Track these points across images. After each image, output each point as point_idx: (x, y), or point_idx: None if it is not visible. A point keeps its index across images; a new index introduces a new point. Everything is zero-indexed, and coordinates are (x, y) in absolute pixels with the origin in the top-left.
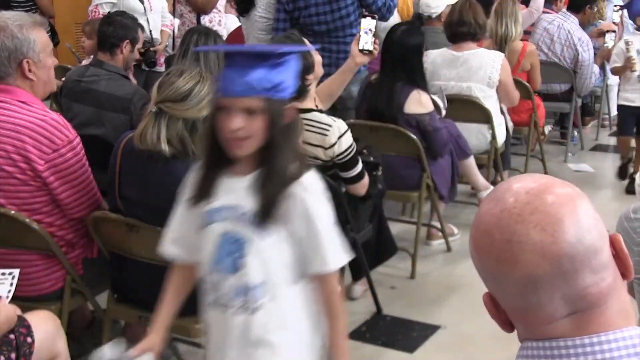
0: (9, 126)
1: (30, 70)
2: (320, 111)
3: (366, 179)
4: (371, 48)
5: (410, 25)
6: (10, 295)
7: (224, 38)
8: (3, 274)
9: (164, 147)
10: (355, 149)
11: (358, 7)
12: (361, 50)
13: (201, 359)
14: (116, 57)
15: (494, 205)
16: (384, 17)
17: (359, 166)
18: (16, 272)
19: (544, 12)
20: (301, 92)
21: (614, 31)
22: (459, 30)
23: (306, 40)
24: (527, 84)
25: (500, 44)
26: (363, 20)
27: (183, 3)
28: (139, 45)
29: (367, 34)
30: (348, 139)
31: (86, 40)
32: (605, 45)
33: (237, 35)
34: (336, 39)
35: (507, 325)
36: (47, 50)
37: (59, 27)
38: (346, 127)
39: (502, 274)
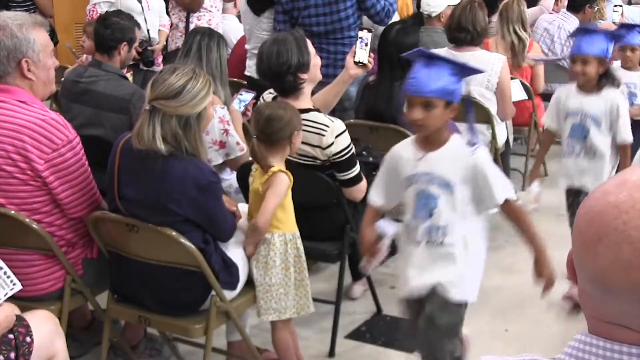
0: (8, 126)
1: (29, 70)
2: (318, 111)
3: (363, 184)
4: (365, 60)
5: (404, 24)
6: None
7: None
8: (9, 278)
9: (160, 145)
10: (352, 151)
11: (357, 10)
12: (356, 63)
13: (201, 359)
14: (114, 59)
15: (616, 192)
16: (382, 22)
17: (356, 169)
18: (18, 287)
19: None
20: (293, 89)
21: None
22: (457, 35)
23: (311, 45)
24: (527, 84)
25: (516, 50)
26: (359, 32)
27: (172, 3)
28: (136, 44)
29: (362, 47)
30: (345, 139)
31: (87, 40)
32: None
33: (243, 40)
34: (334, 41)
35: (576, 280)
36: (47, 51)
37: (58, 27)
38: (344, 128)
39: (581, 258)
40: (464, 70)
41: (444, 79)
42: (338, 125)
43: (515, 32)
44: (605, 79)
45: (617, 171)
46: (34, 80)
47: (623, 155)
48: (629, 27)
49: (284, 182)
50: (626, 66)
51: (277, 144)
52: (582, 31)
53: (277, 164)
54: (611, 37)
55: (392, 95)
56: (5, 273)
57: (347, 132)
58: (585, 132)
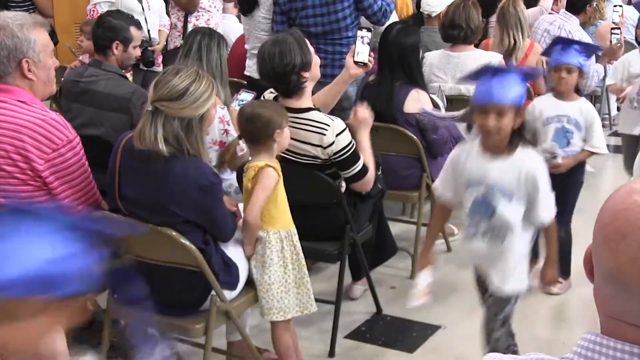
0: (8, 126)
1: (29, 70)
2: (319, 110)
3: (370, 174)
4: (366, 60)
5: (405, 24)
6: None
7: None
8: None
9: (162, 146)
10: (354, 148)
11: (354, 10)
12: (356, 63)
13: (201, 359)
14: (110, 58)
15: None
16: (379, 22)
17: (360, 164)
18: None
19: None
20: (296, 89)
21: (618, 27)
22: (451, 33)
23: (309, 43)
24: (528, 85)
25: (511, 53)
26: (358, 32)
27: (172, 3)
28: (135, 43)
29: (362, 46)
30: (346, 138)
31: (85, 40)
32: (613, 43)
33: (242, 39)
34: (332, 41)
35: (592, 277)
36: (47, 51)
37: (58, 27)
38: (344, 126)
39: (601, 253)
40: None
41: None
42: (338, 124)
43: (514, 37)
44: (519, 136)
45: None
46: (34, 81)
47: (547, 238)
48: (565, 43)
49: (271, 176)
50: (559, 91)
51: (259, 142)
52: (491, 72)
53: (265, 161)
54: (524, 76)
55: (392, 95)
56: None
57: (347, 130)
58: (492, 209)
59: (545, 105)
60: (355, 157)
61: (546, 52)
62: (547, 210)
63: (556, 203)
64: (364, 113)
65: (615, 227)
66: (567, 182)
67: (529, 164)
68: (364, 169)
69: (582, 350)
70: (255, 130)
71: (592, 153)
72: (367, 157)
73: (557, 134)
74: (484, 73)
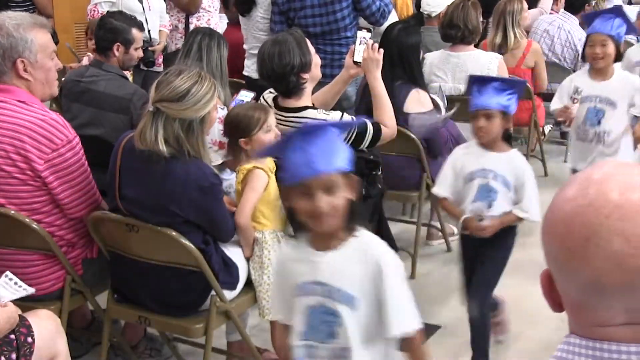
0: (8, 126)
1: (25, 70)
2: (314, 107)
3: (388, 127)
4: None
5: (406, 24)
6: (4, 303)
7: None
8: (20, 286)
9: (162, 147)
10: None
11: (353, 10)
12: (355, 62)
13: (201, 359)
14: (111, 59)
15: (583, 193)
16: (377, 22)
17: (369, 132)
18: (30, 291)
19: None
20: (296, 89)
21: None
22: (449, 32)
23: (310, 44)
24: (527, 84)
25: (503, 51)
26: (358, 32)
27: (170, 4)
28: (137, 45)
29: (361, 46)
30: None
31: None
32: None
33: (231, 37)
34: (330, 41)
35: (557, 306)
36: (46, 52)
37: (58, 27)
38: (340, 113)
39: (569, 267)
40: None
41: None
42: (335, 115)
43: (500, 37)
44: (355, 212)
45: None
46: (31, 81)
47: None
48: (480, 82)
49: (260, 177)
50: (482, 143)
51: (234, 144)
52: (299, 137)
53: (253, 163)
54: (342, 128)
55: (393, 95)
56: (16, 283)
57: (345, 114)
58: (333, 321)
59: (468, 157)
60: (362, 130)
61: (467, 93)
62: (402, 318)
63: (476, 270)
64: (372, 53)
65: (575, 236)
66: (488, 243)
67: (370, 252)
68: (377, 131)
69: (562, 354)
70: (227, 134)
71: (520, 218)
72: (379, 104)
73: (480, 192)
74: (290, 142)
